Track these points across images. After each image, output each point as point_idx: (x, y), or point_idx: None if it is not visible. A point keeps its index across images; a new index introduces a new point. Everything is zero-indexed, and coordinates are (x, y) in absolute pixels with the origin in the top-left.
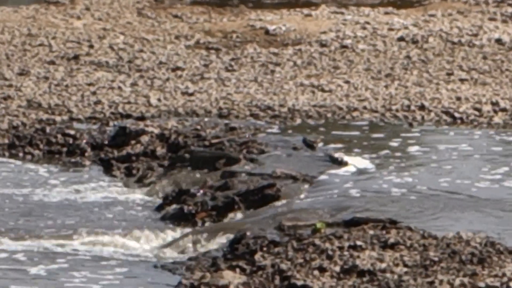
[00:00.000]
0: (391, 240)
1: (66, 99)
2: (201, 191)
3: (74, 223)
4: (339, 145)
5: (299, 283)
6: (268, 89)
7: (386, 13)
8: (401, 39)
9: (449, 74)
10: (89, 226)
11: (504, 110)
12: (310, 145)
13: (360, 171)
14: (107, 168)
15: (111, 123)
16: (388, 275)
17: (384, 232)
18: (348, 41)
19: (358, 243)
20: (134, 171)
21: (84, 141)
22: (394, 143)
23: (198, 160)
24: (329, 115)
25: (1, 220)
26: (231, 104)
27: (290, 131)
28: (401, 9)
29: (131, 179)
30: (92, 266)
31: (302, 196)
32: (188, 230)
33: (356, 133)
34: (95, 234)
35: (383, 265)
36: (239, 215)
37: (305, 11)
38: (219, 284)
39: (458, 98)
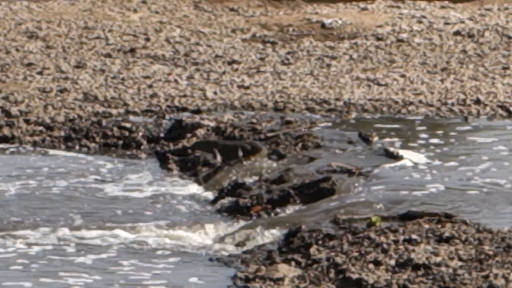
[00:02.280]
0: (446, 234)
1: (122, 92)
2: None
3: (129, 216)
4: (395, 139)
5: (354, 276)
6: (324, 83)
7: (442, 7)
8: (457, 33)
9: (505, 68)
10: (144, 218)
11: None
12: (365, 139)
13: (416, 165)
14: (163, 161)
15: (167, 116)
16: (443, 269)
17: (439, 226)
18: (404, 35)
19: (413, 237)
20: (189, 164)
21: (140, 134)
22: (449, 137)
23: (221, 150)
24: (384, 109)
25: (62, 212)
26: (287, 97)
27: (345, 125)
28: (457, 3)
29: (186, 172)
30: (147, 258)
31: (357, 189)
32: (243, 223)
33: (412, 127)
34: (151, 227)
35: (438, 259)
36: (294, 209)
37: (361, 4)
38: (274, 277)
39: None
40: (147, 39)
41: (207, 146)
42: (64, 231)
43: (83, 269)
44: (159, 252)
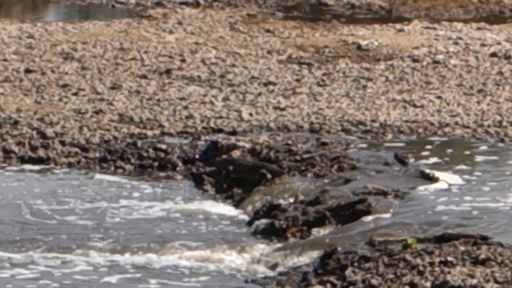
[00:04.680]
0: (482, 256)
1: (158, 113)
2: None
3: (165, 237)
4: (431, 161)
5: None
6: (360, 104)
7: (479, 28)
8: (493, 54)
9: None
10: (180, 240)
11: None
12: (401, 161)
13: (451, 187)
14: (198, 182)
15: (202, 138)
16: None
17: (475, 248)
18: (440, 57)
19: (449, 259)
20: (225, 186)
21: (176, 155)
22: (485, 159)
23: (241, 170)
24: (420, 130)
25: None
26: (323, 119)
27: (381, 147)
28: (493, 24)
29: (222, 194)
30: (183, 280)
31: (393, 211)
32: (279, 245)
33: (448, 149)
34: (187, 248)
35: (474, 281)
36: (330, 230)
37: (398, 26)
38: None
39: None
40: (183, 60)
41: (224, 164)
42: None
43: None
44: (195, 274)
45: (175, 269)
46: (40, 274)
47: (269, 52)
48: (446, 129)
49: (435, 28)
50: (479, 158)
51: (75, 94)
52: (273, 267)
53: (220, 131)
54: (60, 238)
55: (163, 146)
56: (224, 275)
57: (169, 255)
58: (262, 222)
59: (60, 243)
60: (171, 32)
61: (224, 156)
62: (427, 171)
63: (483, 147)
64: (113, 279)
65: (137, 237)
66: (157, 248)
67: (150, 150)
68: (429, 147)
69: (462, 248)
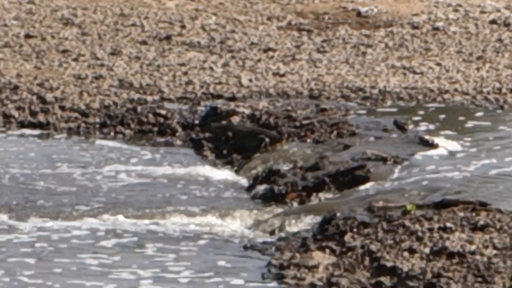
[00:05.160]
0: (481, 222)
1: (158, 79)
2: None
3: (164, 202)
4: (430, 127)
5: (389, 264)
6: (359, 71)
7: None
8: (493, 21)
9: None
10: (179, 205)
11: None
12: (401, 127)
13: (451, 153)
14: (198, 148)
15: (202, 103)
16: (477, 257)
17: (474, 214)
18: (440, 24)
19: (448, 225)
20: (225, 152)
21: (175, 121)
22: (484, 126)
23: (240, 136)
24: (420, 97)
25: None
26: (322, 85)
27: (380, 113)
28: None
29: (221, 160)
30: (182, 245)
31: (392, 177)
32: (278, 210)
33: (447, 115)
34: (185, 213)
35: (473, 247)
36: (329, 196)
37: None
38: (308, 264)
39: None
40: (183, 26)
41: (222, 130)
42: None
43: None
44: (193, 238)
45: (173, 234)
46: (36, 239)
47: (268, 18)
48: (446, 96)
49: None
50: (478, 125)
51: (75, 59)
52: (272, 232)
53: (219, 97)
54: (57, 202)
55: (163, 112)
56: (222, 240)
57: (167, 220)
58: (261, 187)
59: (57, 208)
60: None
61: (223, 122)
62: (426, 137)
63: (482, 114)
64: (109, 243)
65: (135, 202)
66: (156, 213)
67: (150, 115)
68: (428, 113)
69: (461, 214)
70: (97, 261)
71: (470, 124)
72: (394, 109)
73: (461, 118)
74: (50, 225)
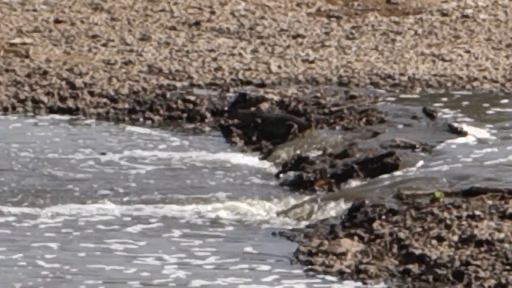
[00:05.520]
0: (510, 210)
1: (187, 65)
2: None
3: (193, 189)
4: (459, 115)
5: (417, 252)
6: (389, 58)
7: None
8: None
9: None
10: (207, 191)
11: None
12: (430, 114)
13: (480, 141)
14: (227, 134)
15: (231, 90)
16: (506, 245)
17: (502, 202)
18: (469, 11)
19: (477, 213)
20: (254, 138)
21: (204, 107)
22: None
23: (268, 123)
24: (449, 84)
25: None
26: (351, 72)
27: (410, 100)
28: None
29: (250, 146)
30: (209, 231)
31: (421, 165)
32: (306, 197)
33: (476, 103)
34: (215, 200)
35: (501, 235)
36: (357, 183)
37: None
38: (336, 251)
39: None
40: (212, 12)
41: (250, 117)
42: (128, 203)
43: (136, 237)
44: (220, 225)
45: (200, 220)
46: (62, 224)
47: (298, 4)
48: (475, 83)
49: None
50: (507, 112)
51: (104, 45)
52: (301, 219)
53: (248, 83)
54: (84, 188)
55: (192, 98)
56: (250, 227)
57: (196, 205)
58: (290, 174)
59: (85, 193)
60: None
61: (252, 109)
62: (455, 124)
63: (511, 102)
64: (135, 229)
65: (163, 188)
66: (184, 198)
67: (179, 101)
68: (457, 101)
69: (490, 202)
70: (123, 246)
71: (499, 111)
72: (423, 96)
73: (490, 105)
74: (76, 211)
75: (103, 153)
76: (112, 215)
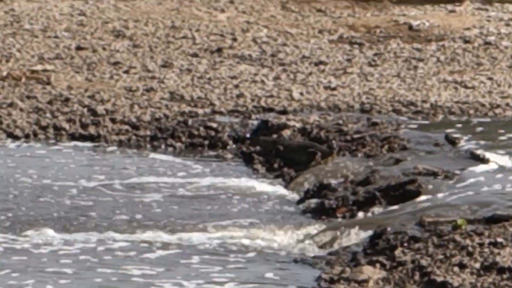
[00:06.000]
0: None
1: (209, 92)
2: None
3: (214, 215)
4: (481, 142)
5: (439, 279)
6: (411, 85)
7: None
8: None
9: None
10: (229, 218)
11: None
12: (452, 142)
13: (502, 169)
14: (249, 161)
15: (253, 117)
16: None
17: None
18: (491, 38)
19: (499, 240)
20: (276, 165)
21: (226, 134)
22: None
23: (290, 150)
24: (471, 111)
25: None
26: (374, 99)
27: (432, 127)
28: None
29: (272, 173)
30: (230, 257)
31: (443, 192)
32: (328, 224)
33: (499, 130)
34: (237, 227)
35: None
36: (379, 211)
37: (449, 7)
38: (358, 279)
39: None
40: (234, 39)
41: (272, 144)
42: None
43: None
44: (241, 251)
45: (221, 247)
46: (81, 250)
47: (320, 31)
48: (497, 111)
49: (486, 9)
50: None
51: (126, 71)
52: (323, 246)
53: (270, 110)
54: (104, 215)
55: (214, 125)
56: (273, 254)
57: (217, 232)
58: (312, 201)
59: (104, 220)
60: (222, 10)
61: (274, 136)
62: (478, 152)
63: None
64: (153, 255)
65: (186, 214)
66: (206, 225)
67: (201, 128)
68: (479, 128)
69: None
70: (141, 272)
71: None
72: (446, 124)
73: None
74: (95, 237)
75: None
76: (131, 242)
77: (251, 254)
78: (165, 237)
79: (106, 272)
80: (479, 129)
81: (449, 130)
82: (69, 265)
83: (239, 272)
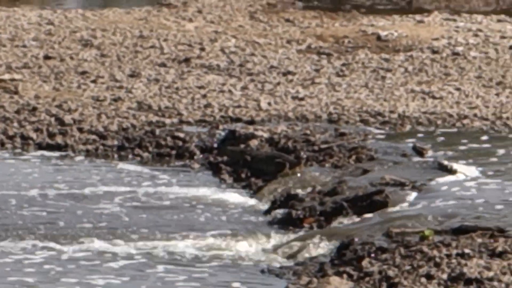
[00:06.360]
0: (499, 249)
1: (176, 102)
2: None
3: (181, 225)
4: (449, 153)
5: None
6: (379, 95)
7: (499, 20)
8: None
9: None
10: (196, 228)
11: None
12: (419, 152)
13: (469, 179)
14: (216, 171)
15: (221, 127)
16: (495, 283)
17: (492, 240)
18: (460, 48)
19: (466, 251)
20: (243, 175)
21: (194, 144)
22: (503, 152)
23: (258, 160)
24: (439, 122)
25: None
26: (341, 109)
27: (400, 138)
28: None
29: (239, 183)
30: (196, 267)
31: (410, 203)
32: (295, 235)
33: (466, 140)
34: (204, 237)
35: (491, 274)
36: (347, 221)
37: (418, 17)
38: None
39: None
40: (202, 49)
41: (239, 154)
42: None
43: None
44: (207, 261)
45: (187, 256)
46: (44, 260)
47: (288, 41)
48: (465, 121)
49: (455, 20)
50: (497, 151)
51: (94, 81)
52: (290, 257)
53: (238, 120)
54: (68, 223)
55: (181, 135)
56: (240, 264)
57: (184, 242)
58: (280, 211)
59: (68, 229)
60: (190, 20)
61: (242, 146)
62: (445, 162)
63: (501, 140)
64: (118, 264)
65: (152, 224)
66: (173, 235)
67: (168, 138)
68: (447, 139)
69: (479, 240)
70: (105, 281)
71: (488, 149)
72: (413, 134)
73: (480, 143)
74: (59, 247)
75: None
76: (95, 251)
77: (217, 264)
78: (130, 246)
79: (70, 281)
80: (447, 139)
81: (416, 141)
82: (32, 274)
83: (205, 281)
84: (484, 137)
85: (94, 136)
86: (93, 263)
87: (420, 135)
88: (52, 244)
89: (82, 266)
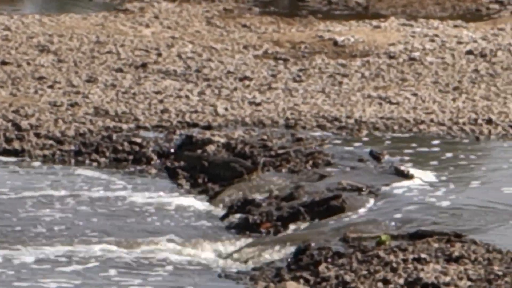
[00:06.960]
0: (456, 254)
1: (133, 107)
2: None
3: (137, 231)
4: (405, 158)
5: None
6: (336, 100)
7: (455, 26)
8: (469, 52)
9: None
10: (153, 233)
11: None
12: (376, 157)
13: (426, 184)
14: (173, 176)
15: (177, 132)
16: None
17: (448, 245)
18: (416, 54)
19: (423, 256)
20: (200, 181)
21: (150, 149)
22: (460, 157)
23: (214, 166)
24: (396, 127)
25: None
26: (298, 114)
27: (356, 143)
28: (470, 22)
29: (196, 189)
30: (153, 272)
31: (367, 208)
32: (252, 240)
33: (423, 146)
34: (159, 242)
35: (447, 279)
36: (304, 226)
37: (374, 22)
38: None
39: None
40: (159, 54)
41: (196, 159)
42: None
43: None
44: (163, 266)
45: (144, 261)
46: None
47: (245, 47)
48: (421, 126)
49: (411, 25)
50: (453, 156)
51: (51, 86)
52: (246, 262)
53: (195, 125)
54: (22, 228)
55: (138, 140)
56: (196, 270)
57: (140, 247)
58: (236, 217)
59: (22, 233)
60: (147, 26)
61: (199, 151)
62: (402, 168)
63: (458, 145)
64: (70, 268)
65: (107, 228)
66: (128, 240)
67: (125, 143)
68: (404, 144)
69: (436, 245)
70: (57, 285)
71: (445, 155)
72: (370, 139)
73: (437, 149)
74: (11, 251)
75: None
76: (48, 255)
77: (173, 269)
78: (83, 250)
79: (22, 285)
80: (404, 145)
81: (373, 146)
82: None
83: (160, 286)
84: (441, 142)
85: (51, 141)
86: (45, 267)
87: (377, 140)
88: (3, 249)
89: (33, 270)
